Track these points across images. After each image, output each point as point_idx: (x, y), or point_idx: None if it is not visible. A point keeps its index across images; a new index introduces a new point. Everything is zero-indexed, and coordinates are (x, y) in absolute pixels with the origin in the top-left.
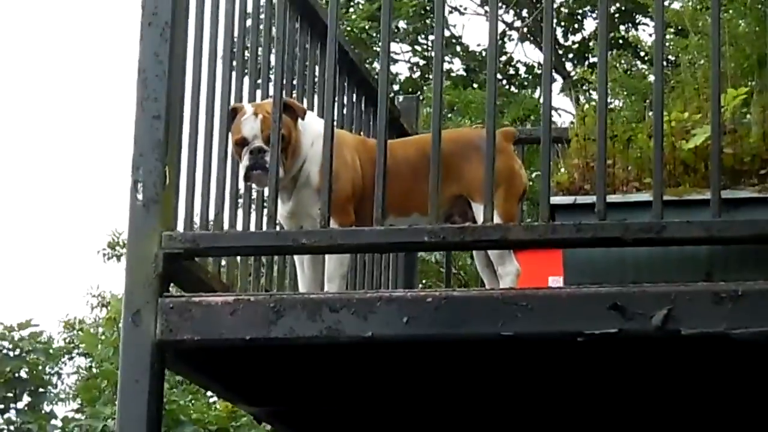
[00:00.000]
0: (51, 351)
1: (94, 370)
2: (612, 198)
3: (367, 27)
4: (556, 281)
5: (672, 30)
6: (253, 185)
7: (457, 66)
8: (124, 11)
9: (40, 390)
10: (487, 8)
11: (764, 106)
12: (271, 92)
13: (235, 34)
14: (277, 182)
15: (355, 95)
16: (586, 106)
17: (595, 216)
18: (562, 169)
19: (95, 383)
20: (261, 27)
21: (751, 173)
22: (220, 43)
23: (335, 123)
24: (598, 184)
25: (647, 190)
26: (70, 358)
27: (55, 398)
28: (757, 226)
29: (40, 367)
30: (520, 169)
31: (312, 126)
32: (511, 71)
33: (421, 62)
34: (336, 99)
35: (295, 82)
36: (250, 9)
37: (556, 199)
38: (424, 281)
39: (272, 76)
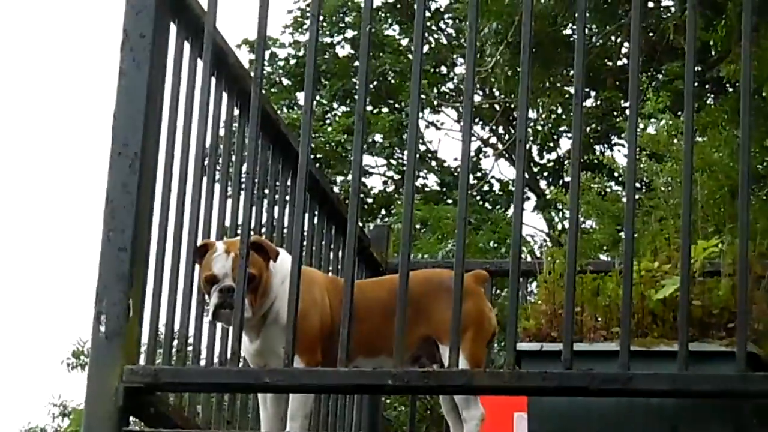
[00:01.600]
0: None
1: None
2: (579, 346)
3: (342, 140)
4: (521, 417)
5: (646, 152)
6: (221, 323)
7: (431, 181)
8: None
9: None
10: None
11: (734, 259)
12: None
13: (205, 162)
14: (242, 320)
15: (325, 224)
16: (555, 247)
17: (562, 364)
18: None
19: None
20: (232, 157)
21: (720, 326)
22: (189, 175)
23: (304, 260)
24: (565, 332)
25: (614, 339)
26: None
27: None
28: (724, 381)
29: None
30: (490, 312)
31: (284, 265)
32: (486, 187)
33: (396, 176)
34: (305, 232)
35: (265, 211)
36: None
37: (522, 345)
38: None
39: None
